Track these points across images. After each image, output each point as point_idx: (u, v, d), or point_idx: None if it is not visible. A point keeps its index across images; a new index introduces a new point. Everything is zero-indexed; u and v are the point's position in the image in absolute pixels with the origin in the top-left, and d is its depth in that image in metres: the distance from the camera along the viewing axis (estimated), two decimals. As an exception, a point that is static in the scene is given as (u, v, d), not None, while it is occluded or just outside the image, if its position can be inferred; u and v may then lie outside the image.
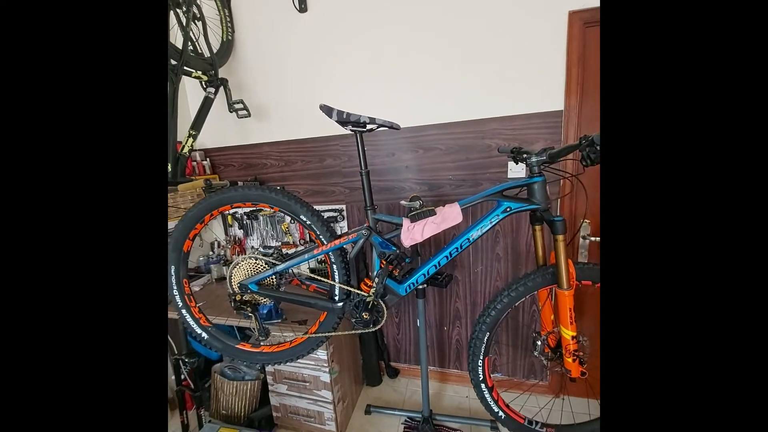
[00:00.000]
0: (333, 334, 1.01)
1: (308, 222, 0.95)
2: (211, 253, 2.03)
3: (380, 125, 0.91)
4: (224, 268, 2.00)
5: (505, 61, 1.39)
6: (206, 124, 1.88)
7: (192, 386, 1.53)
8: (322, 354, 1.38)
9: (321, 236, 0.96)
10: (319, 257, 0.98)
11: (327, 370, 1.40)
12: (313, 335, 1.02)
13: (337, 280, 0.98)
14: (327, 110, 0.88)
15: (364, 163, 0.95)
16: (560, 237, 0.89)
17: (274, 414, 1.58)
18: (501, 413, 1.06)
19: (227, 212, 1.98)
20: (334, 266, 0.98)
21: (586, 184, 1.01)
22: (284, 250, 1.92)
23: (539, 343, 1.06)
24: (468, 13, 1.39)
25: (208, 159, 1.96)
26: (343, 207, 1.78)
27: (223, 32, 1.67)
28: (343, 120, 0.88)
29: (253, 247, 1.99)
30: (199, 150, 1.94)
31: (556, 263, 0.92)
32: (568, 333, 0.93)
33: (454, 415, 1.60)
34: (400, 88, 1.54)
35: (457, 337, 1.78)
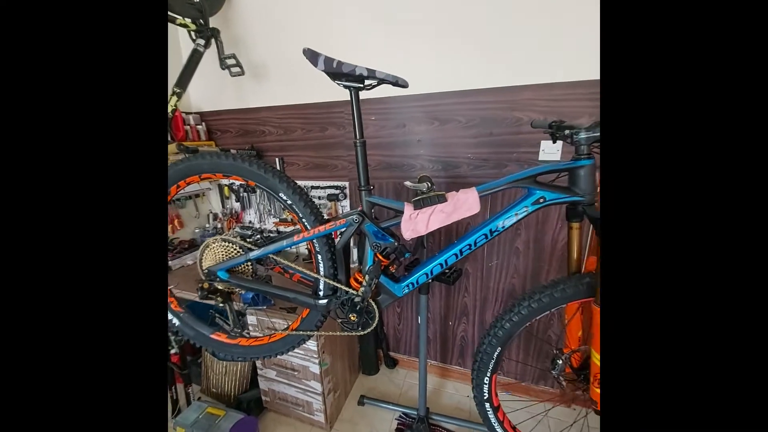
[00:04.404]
0: (315, 333, 0.87)
1: (289, 201, 0.78)
2: (207, 225, 1.93)
3: (381, 81, 0.70)
4: (221, 241, 1.90)
5: (548, 15, 1.10)
6: (203, 84, 1.70)
7: (180, 364, 1.47)
8: (311, 344, 1.27)
9: (304, 220, 0.79)
10: (302, 244, 0.81)
11: (317, 361, 1.29)
12: (294, 332, 0.88)
13: (321, 273, 0.82)
14: (311, 56, 0.67)
15: (360, 131, 0.75)
16: (608, 241, 0.68)
17: (263, 398, 1.51)
18: (506, 436, 0.91)
19: (222, 183, 1.85)
20: (319, 256, 0.82)
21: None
22: (282, 228, 1.82)
23: (560, 362, 0.88)
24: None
25: (203, 123, 1.80)
26: (346, 184, 1.60)
27: (214, -29, 1.44)
28: (333, 70, 0.67)
29: (232, 228, 1.86)
30: (194, 113, 1.77)
31: (597, 273, 0.71)
32: (602, 359, 0.74)
33: (452, 416, 1.48)
34: (418, 47, 1.28)
35: (462, 333, 1.63)
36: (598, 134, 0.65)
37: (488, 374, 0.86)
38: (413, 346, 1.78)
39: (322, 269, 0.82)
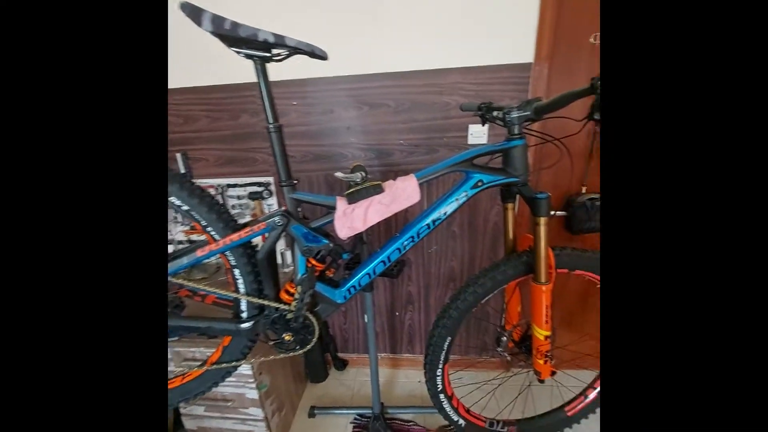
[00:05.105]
0: (241, 363, 0.72)
1: (185, 207, 0.60)
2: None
3: (294, 50, 0.57)
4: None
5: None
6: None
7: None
8: (244, 368, 1.09)
9: (210, 228, 0.62)
10: (212, 258, 0.64)
11: (254, 386, 1.12)
12: (213, 367, 0.72)
13: (242, 291, 0.67)
14: (193, 13, 0.50)
15: (273, 114, 0.61)
16: (542, 220, 0.69)
17: (192, 439, 1.28)
18: (461, 421, 0.92)
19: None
20: (237, 271, 0.66)
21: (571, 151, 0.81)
22: (195, 237, 1.53)
23: (504, 338, 0.91)
24: None
25: (65, 111, 1.37)
26: (270, 180, 1.40)
27: None
28: (227, 34, 0.52)
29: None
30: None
31: (533, 251, 0.73)
32: (542, 333, 0.78)
33: (406, 405, 1.47)
34: (339, 22, 1.15)
35: (409, 321, 1.63)
36: (529, 113, 0.64)
37: (440, 366, 0.83)
38: (362, 343, 1.72)
39: (242, 286, 0.67)
